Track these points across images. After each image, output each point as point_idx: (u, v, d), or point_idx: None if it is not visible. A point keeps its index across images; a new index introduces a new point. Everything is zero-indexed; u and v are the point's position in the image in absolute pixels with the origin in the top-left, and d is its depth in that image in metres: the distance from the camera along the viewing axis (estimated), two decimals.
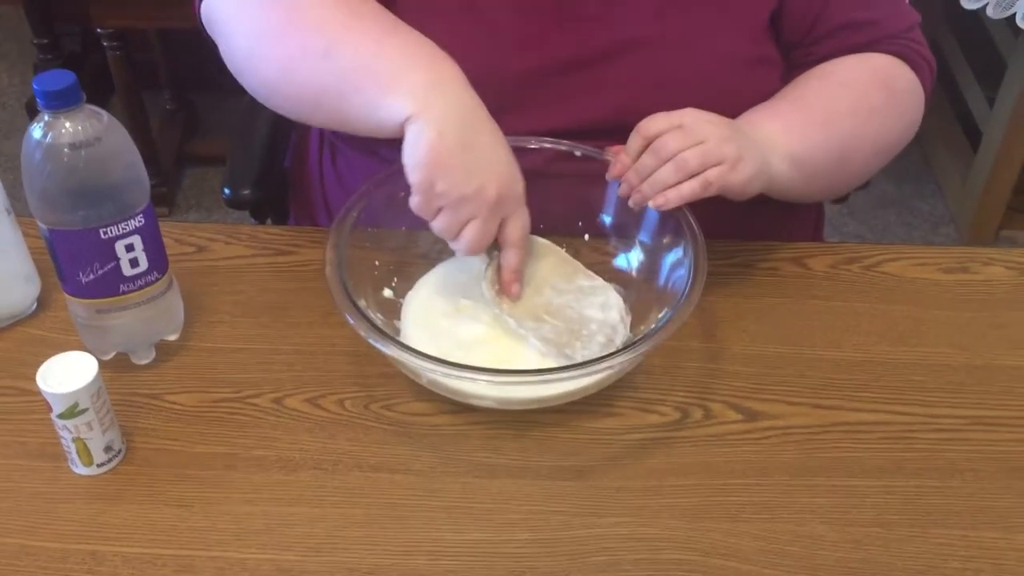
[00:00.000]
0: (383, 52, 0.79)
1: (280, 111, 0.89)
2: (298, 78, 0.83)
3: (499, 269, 0.82)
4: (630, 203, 0.83)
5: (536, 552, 0.71)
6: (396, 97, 0.76)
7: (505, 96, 0.85)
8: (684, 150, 0.80)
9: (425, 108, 0.75)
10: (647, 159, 0.81)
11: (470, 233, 0.77)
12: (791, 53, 0.96)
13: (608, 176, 0.85)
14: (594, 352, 0.80)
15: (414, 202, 0.77)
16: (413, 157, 0.75)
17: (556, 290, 0.85)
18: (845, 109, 0.92)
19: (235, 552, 0.71)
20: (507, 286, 0.82)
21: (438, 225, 0.78)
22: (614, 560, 0.71)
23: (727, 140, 0.81)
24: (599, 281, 0.86)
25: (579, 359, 0.79)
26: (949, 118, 2.31)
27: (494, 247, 0.80)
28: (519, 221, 0.79)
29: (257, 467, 0.76)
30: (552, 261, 0.86)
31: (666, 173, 0.80)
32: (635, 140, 0.83)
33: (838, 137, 0.91)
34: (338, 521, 0.73)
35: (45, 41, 2.30)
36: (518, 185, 0.78)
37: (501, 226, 0.79)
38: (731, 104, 0.91)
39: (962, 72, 2.23)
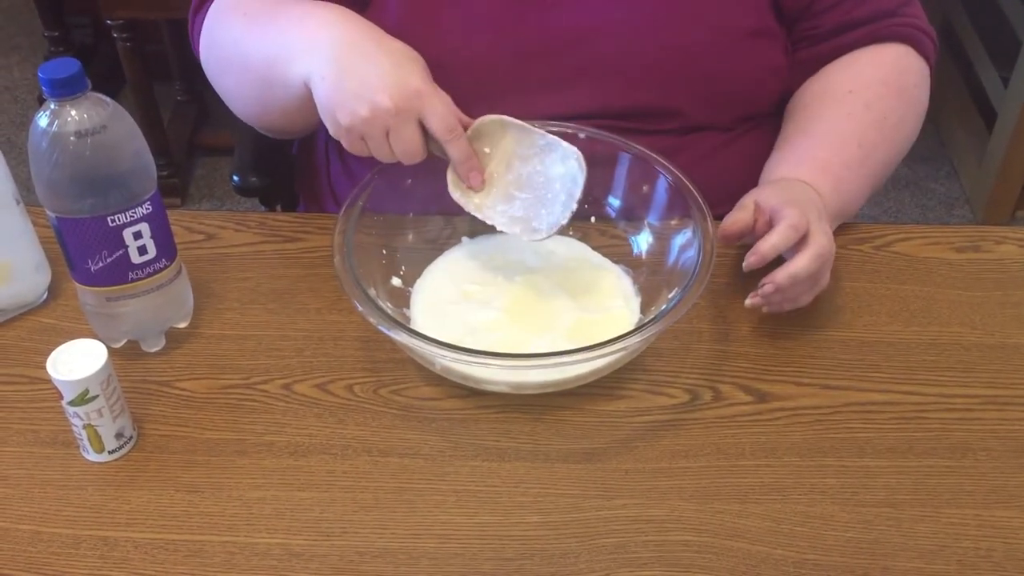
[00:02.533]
0: (279, 39, 0.86)
1: (261, 126, 0.99)
2: (246, 92, 0.94)
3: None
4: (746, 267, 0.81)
5: (545, 534, 0.71)
6: (291, 70, 0.84)
7: (493, 79, 0.84)
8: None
9: (308, 65, 0.82)
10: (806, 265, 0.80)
11: (395, 145, 0.80)
12: (795, 26, 0.96)
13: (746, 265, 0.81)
14: (557, 214, 0.82)
15: (347, 147, 0.81)
16: (319, 112, 0.82)
17: (522, 158, 0.84)
18: (874, 138, 0.93)
19: (245, 537, 0.71)
20: (467, 179, 0.83)
21: (376, 155, 0.81)
22: (623, 542, 0.71)
23: (826, 234, 0.83)
24: (551, 136, 0.83)
25: (544, 228, 0.82)
26: (964, 99, 2.29)
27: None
28: (434, 114, 0.79)
29: (267, 452, 0.77)
30: (511, 134, 0.84)
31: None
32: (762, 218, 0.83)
33: (872, 169, 0.93)
34: (347, 505, 0.73)
35: (56, 33, 2.32)
36: (411, 82, 0.79)
37: (425, 125, 0.80)
38: (730, 77, 0.91)
39: (976, 52, 2.20)
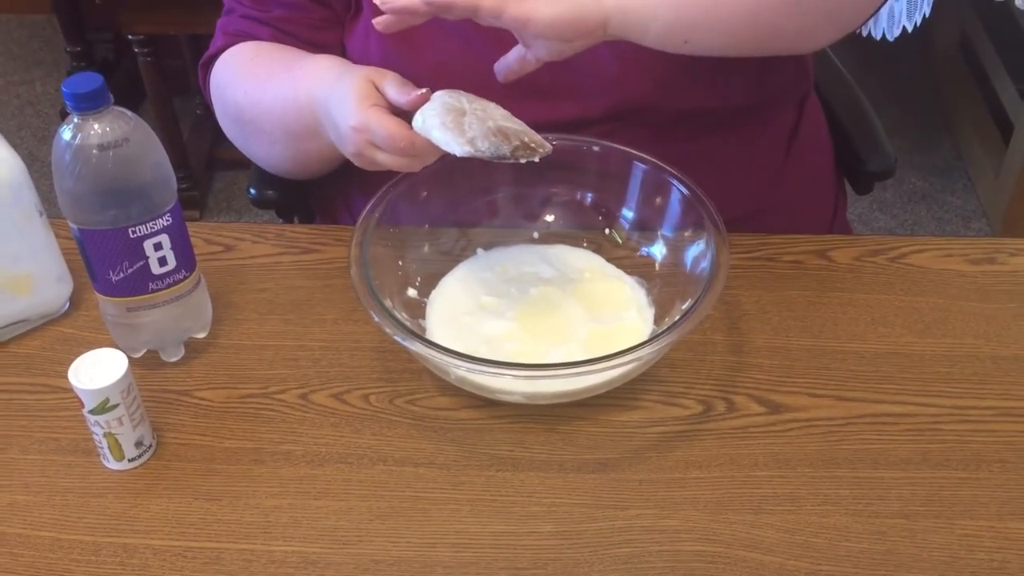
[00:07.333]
0: (297, 108, 0.90)
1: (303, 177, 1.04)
2: (276, 153, 0.98)
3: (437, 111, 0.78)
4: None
5: (559, 544, 0.72)
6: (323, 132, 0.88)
7: (473, 91, 0.84)
8: None
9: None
10: None
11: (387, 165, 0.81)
12: None
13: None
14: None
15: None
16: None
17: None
18: None
19: (262, 545, 0.72)
20: (414, 103, 0.80)
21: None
22: (636, 552, 0.71)
23: None
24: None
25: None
26: (980, 111, 2.29)
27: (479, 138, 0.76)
28: (383, 143, 0.79)
29: (284, 461, 0.77)
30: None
31: None
32: None
33: None
34: (363, 514, 0.74)
35: (78, 49, 2.35)
36: (343, 128, 0.82)
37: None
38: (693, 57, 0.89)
39: (993, 65, 2.20)
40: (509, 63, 0.81)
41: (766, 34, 0.82)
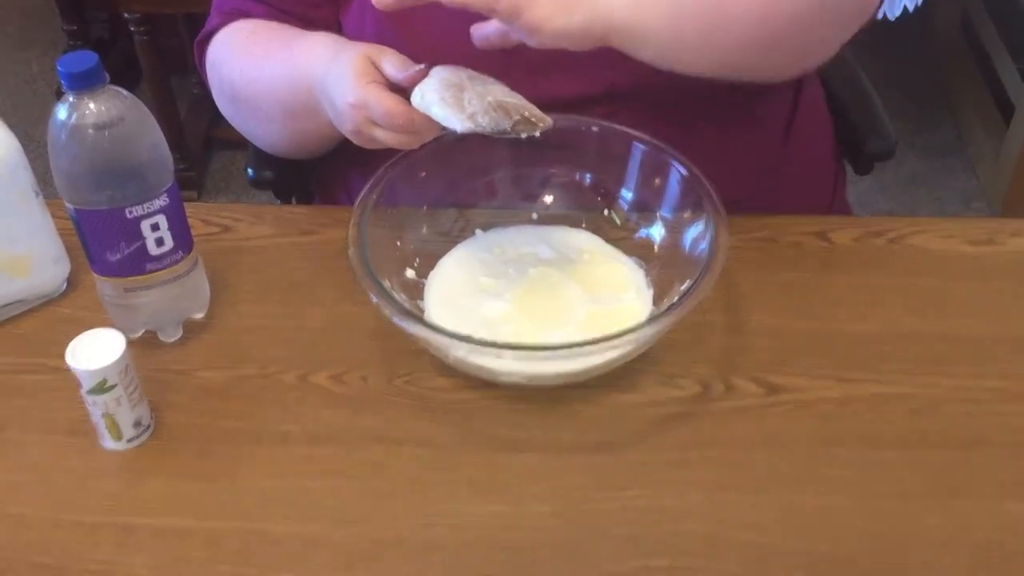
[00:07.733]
0: (294, 86, 0.89)
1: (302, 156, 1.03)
2: (273, 132, 0.98)
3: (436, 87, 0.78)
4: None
5: (557, 524, 0.72)
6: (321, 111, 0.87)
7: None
8: None
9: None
10: None
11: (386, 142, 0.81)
12: None
13: None
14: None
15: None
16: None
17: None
18: None
19: (260, 524, 0.72)
20: (413, 80, 0.80)
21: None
22: (635, 532, 0.71)
23: None
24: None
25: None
26: (981, 92, 2.28)
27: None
28: (380, 119, 0.79)
29: (282, 442, 0.77)
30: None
31: None
32: None
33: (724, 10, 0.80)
34: (361, 494, 0.74)
35: (74, 27, 2.34)
36: (342, 105, 0.81)
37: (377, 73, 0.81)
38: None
39: (995, 46, 2.19)
40: (487, 36, 0.80)
41: (756, 63, 0.86)
